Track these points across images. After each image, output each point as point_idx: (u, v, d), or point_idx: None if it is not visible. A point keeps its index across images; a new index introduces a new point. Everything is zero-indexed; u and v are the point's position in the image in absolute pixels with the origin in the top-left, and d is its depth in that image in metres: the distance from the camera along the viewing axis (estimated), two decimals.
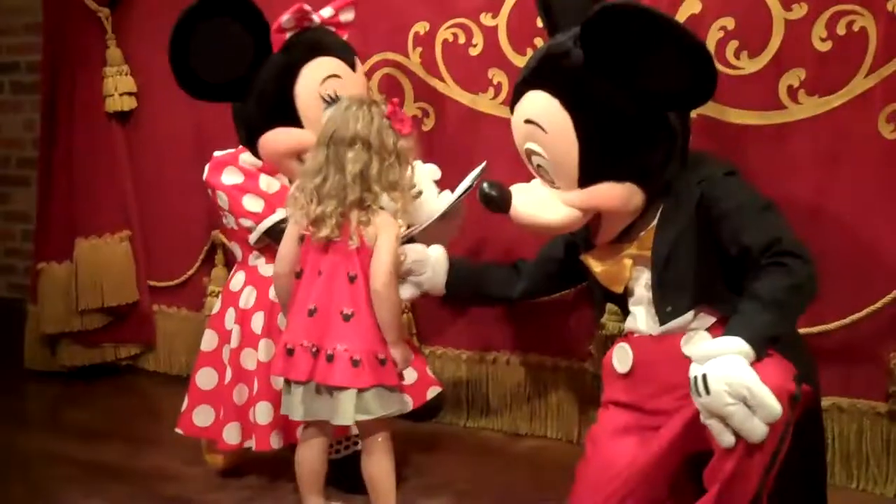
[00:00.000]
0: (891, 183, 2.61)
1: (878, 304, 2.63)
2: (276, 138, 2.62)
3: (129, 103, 3.72)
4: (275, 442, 2.62)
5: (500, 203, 2.24)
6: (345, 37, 2.80)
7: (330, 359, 2.29)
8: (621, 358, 2.32)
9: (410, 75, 3.21)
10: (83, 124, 3.72)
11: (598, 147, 2.16)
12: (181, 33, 2.56)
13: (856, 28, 2.58)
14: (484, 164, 2.59)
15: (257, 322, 2.68)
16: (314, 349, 2.31)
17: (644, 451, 2.21)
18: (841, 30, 2.60)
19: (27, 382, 3.84)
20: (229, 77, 2.63)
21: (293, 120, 2.61)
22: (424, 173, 2.63)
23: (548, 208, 2.24)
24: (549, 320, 3.07)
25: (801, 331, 2.53)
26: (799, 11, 2.63)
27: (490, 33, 3.08)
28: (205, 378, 2.76)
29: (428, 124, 3.19)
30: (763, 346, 1.97)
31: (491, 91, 3.10)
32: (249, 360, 2.67)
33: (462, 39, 3.12)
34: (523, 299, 2.73)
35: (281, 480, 2.76)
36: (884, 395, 2.67)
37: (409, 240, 2.58)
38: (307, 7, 2.67)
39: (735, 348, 1.95)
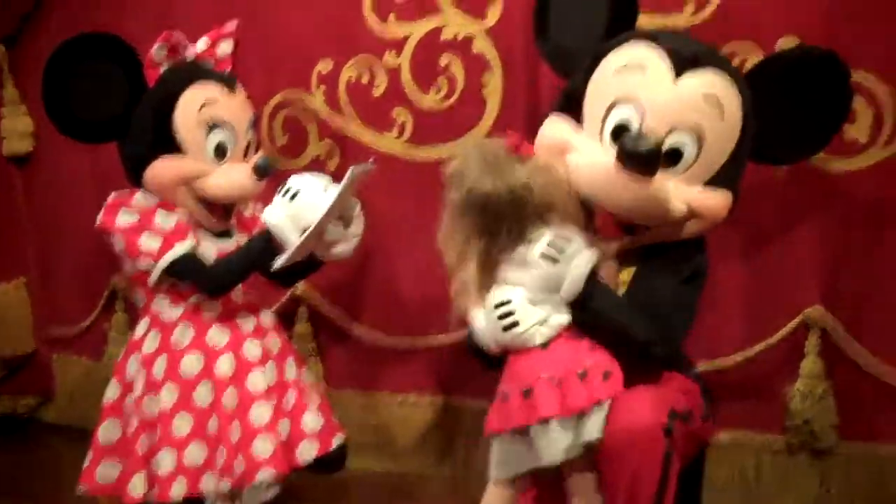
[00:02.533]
0: (782, 218, 2.67)
1: (773, 339, 2.70)
2: (161, 168, 2.62)
3: (26, 145, 3.62)
4: (176, 492, 2.55)
5: (655, 161, 2.01)
6: (227, 69, 2.79)
7: (583, 376, 2.07)
8: None
9: (314, 114, 3.19)
10: None
11: (740, 155, 2.14)
12: (52, 76, 2.56)
13: (748, 65, 2.60)
14: (372, 159, 2.56)
15: (159, 367, 2.63)
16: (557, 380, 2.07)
17: (549, 493, 2.20)
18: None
19: None
20: (107, 116, 2.63)
21: (175, 149, 2.62)
22: (310, 178, 2.57)
23: (673, 195, 2.09)
24: (457, 360, 3.06)
25: (700, 365, 2.56)
26: None
27: (394, 72, 3.08)
28: (108, 431, 2.69)
29: (332, 164, 3.17)
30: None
31: (395, 130, 3.10)
32: (152, 406, 2.61)
33: (366, 78, 3.11)
34: None
35: None
36: (781, 429, 2.73)
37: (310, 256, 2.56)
38: (176, 37, 2.69)
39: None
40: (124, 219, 2.62)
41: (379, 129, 3.13)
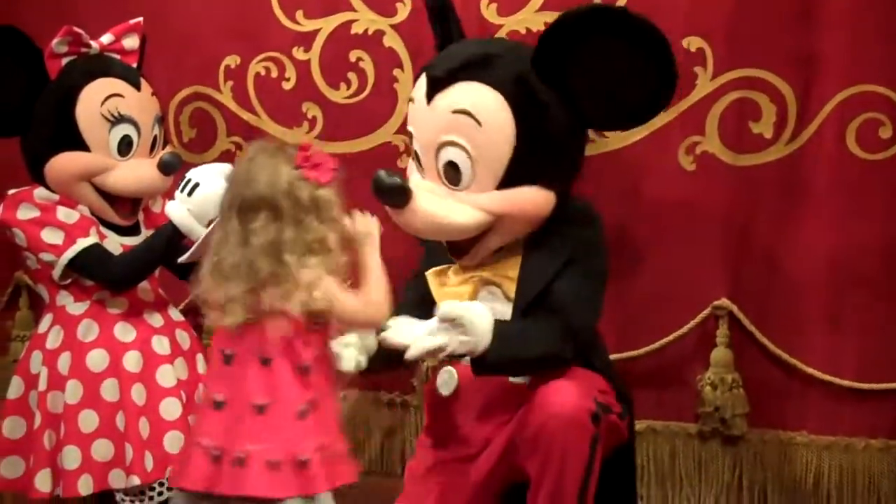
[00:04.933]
0: (690, 212, 2.73)
1: (684, 329, 2.75)
2: (62, 163, 2.58)
3: None
4: (83, 488, 2.51)
5: (401, 193, 2.12)
6: (133, 64, 2.74)
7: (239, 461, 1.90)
8: (446, 381, 2.29)
9: (222, 109, 3.16)
10: None
11: (532, 148, 2.12)
12: None
13: None
14: None
15: (64, 363, 2.58)
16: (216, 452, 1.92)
17: (461, 484, 2.22)
18: None
19: None
20: (5, 109, 2.58)
21: (77, 144, 2.59)
22: (209, 169, 2.53)
23: (456, 208, 2.14)
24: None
25: (613, 357, 2.61)
26: None
27: (303, 67, 3.06)
28: (12, 427, 2.63)
29: None
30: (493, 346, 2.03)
31: (305, 125, 3.08)
32: (57, 402, 2.56)
33: (275, 73, 3.09)
34: None
35: None
36: (693, 417, 2.79)
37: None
38: (78, 30, 2.63)
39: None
40: (25, 213, 2.57)
41: (289, 124, 3.10)
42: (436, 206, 2.15)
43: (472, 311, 2.02)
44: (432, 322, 2.03)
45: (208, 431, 1.94)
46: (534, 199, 2.15)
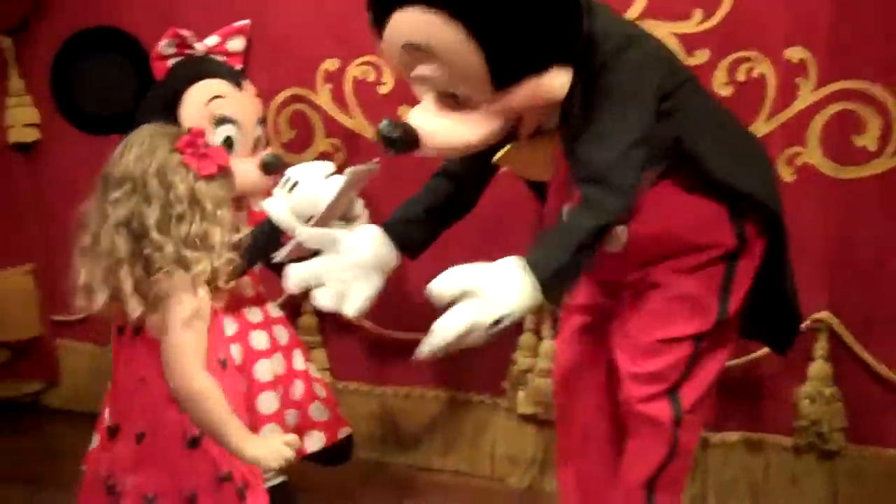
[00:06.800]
0: (789, 224, 2.68)
1: None
2: None
3: (31, 135, 3.59)
4: None
5: (407, 142, 1.92)
6: (238, 66, 2.79)
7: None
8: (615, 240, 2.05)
9: (320, 111, 3.20)
10: None
11: (505, 47, 1.81)
12: (59, 69, 2.57)
13: (755, 74, 2.67)
14: (376, 159, 2.56)
15: None
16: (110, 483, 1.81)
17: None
18: (741, 76, 2.69)
19: None
20: (114, 109, 2.66)
21: None
22: (310, 168, 2.57)
23: (463, 128, 1.92)
24: (462, 355, 3.05)
25: None
26: (701, 57, 2.72)
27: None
28: None
29: (338, 160, 3.16)
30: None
31: None
32: None
33: (372, 77, 3.12)
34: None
35: None
36: (789, 430, 2.76)
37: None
38: (184, 32, 2.69)
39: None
40: None
41: None
42: (445, 135, 1.93)
43: (471, 272, 1.77)
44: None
45: (103, 460, 1.84)
46: (539, 90, 1.88)
